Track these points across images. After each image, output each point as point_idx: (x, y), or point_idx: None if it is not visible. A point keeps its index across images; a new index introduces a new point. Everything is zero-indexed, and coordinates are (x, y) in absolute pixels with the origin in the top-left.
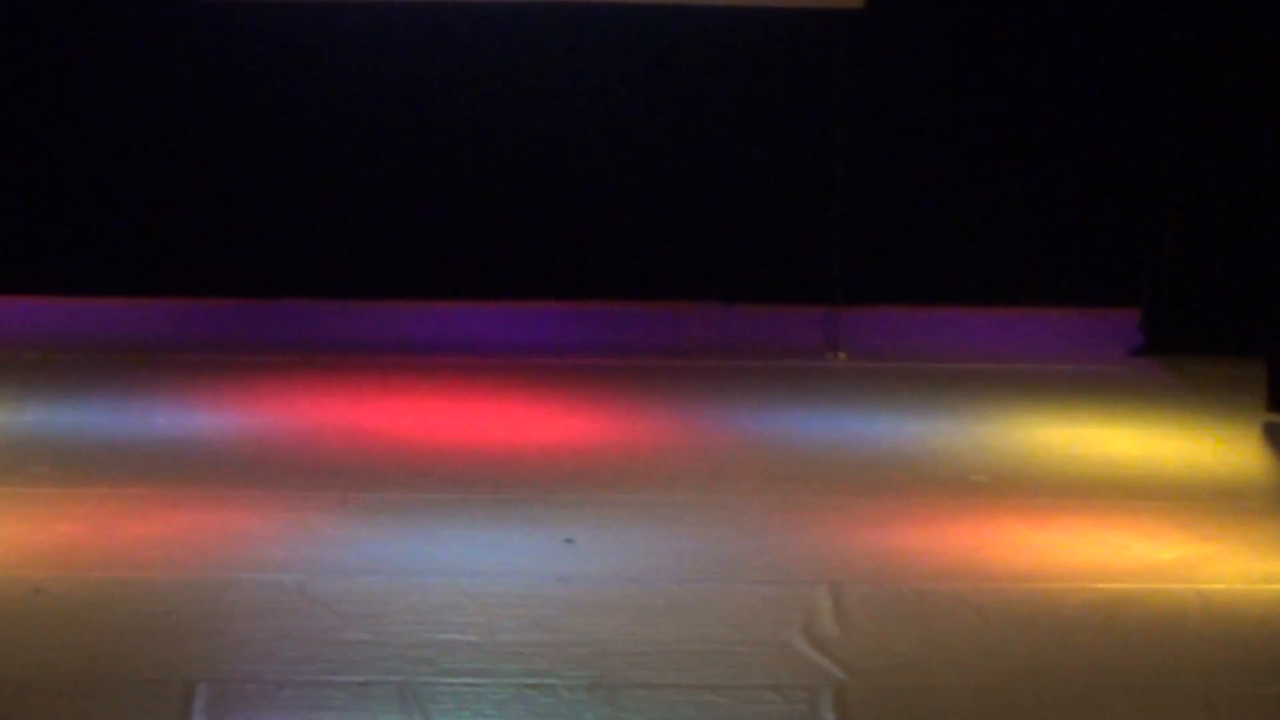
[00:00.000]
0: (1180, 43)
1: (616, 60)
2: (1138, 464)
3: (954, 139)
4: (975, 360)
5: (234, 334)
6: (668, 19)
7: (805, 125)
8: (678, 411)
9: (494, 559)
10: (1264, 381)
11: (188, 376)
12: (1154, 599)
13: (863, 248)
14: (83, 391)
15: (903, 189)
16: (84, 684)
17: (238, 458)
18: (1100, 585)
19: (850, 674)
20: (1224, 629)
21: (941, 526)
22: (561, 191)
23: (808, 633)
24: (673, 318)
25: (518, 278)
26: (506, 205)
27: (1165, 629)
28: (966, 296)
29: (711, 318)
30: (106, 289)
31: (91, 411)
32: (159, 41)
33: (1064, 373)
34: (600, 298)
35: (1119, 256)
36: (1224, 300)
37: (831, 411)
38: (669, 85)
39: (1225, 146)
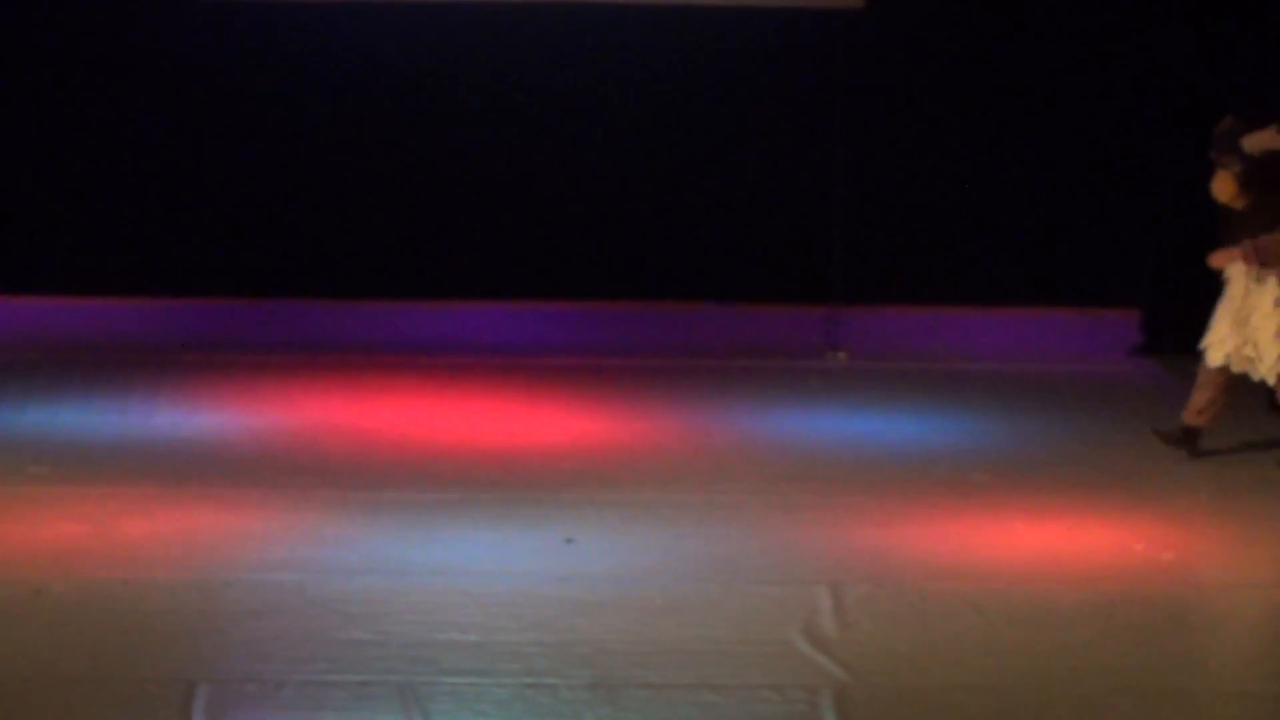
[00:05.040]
0: (1180, 44)
1: (617, 60)
2: (1138, 464)
3: (954, 139)
4: (975, 360)
5: (234, 334)
6: (668, 19)
7: (805, 125)
8: (678, 411)
9: (494, 559)
10: (1264, 381)
11: (188, 376)
12: (1154, 599)
13: (863, 248)
14: (83, 391)
15: (903, 189)
16: (84, 684)
17: (238, 458)
18: (1100, 585)
19: (850, 674)
20: (1224, 629)
21: (941, 526)
22: (562, 191)
23: (808, 633)
24: (673, 318)
25: (518, 278)
26: (507, 205)
27: (1165, 629)
28: (966, 296)
29: (711, 318)
30: (106, 289)
31: (91, 411)
32: (159, 42)
33: (1064, 373)
34: (600, 298)
35: (1119, 256)
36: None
37: (831, 411)
38: (669, 85)
39: None
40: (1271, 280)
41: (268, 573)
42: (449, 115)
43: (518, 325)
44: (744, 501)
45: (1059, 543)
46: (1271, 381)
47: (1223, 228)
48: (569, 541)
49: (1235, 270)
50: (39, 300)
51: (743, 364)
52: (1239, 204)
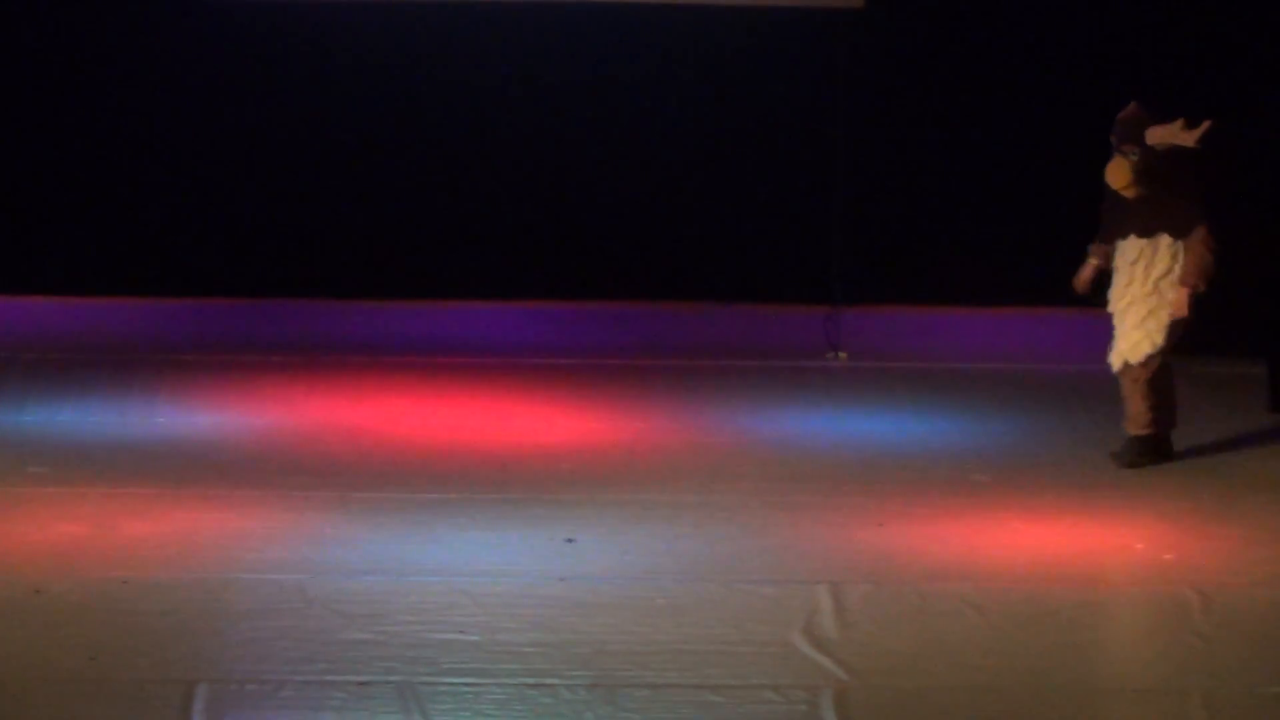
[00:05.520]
0: (1180, 45)
1: (617, 60)
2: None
3: (954, 139)
4: (975, 360)
5: (234, 334)
6: (668, 19)
7: (805, 125)
8: (678, 411)
9: (494, 559)
10: (1264, 382)
11: (188, 376)
12: (1154, 599)
13: (863, 248)
14: (83, 391)
15: (902, 189)
16: (84, 684)
17: (238, 458)
18: (1100, 585)
19: (850, 674)
20: (1224, 629)
21: (941, 526)
22: (562, 192)
23: (808, 633)
24: (673, 318)
25: (518, 278)
26: (507, 205)
27: (1165, 629)
28: (966, 296)
29: (711, 318)
30: (107, 289)
31: (91, 411)
32: (161, 42)
33: (1064, 373)
34: (600, 298)
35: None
36: (1224, 300)
37: (831, 411)
38: (669, 85)
39: (1223, 148)
40: (1162, 263)
41: (268, 573)
42: (449, 115)
43: (518, 325)
44: (744, 501)
45: (1059, 543)
46: (1116, 366)
47: (1104, 214)
48: (569, 541)
49: (1122, 260)
50: (39, 300)
51: (743, 364)
52: (1130, 193)
